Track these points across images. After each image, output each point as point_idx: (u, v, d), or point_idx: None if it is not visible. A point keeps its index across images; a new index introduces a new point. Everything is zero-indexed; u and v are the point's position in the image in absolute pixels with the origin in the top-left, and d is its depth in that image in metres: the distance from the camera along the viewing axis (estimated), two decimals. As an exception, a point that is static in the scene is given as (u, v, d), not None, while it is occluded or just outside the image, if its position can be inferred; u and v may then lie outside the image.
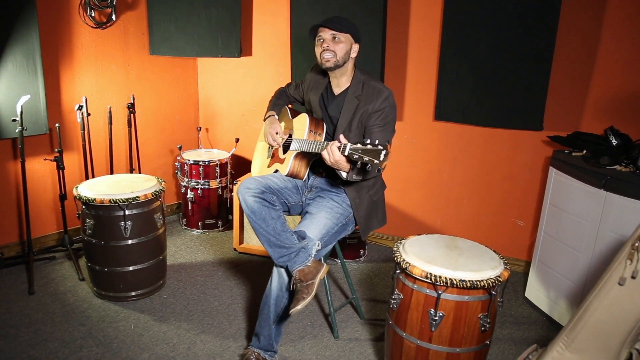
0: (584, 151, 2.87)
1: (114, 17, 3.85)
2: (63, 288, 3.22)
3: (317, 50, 2.44)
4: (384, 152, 1.91)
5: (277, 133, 2.66)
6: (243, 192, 2.38)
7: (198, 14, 3.98)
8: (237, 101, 4.56)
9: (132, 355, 2.58)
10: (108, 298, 3.08)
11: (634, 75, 3.00)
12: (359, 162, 2.00)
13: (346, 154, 2.04)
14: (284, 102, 2.88)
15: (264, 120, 2.79)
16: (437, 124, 3.68)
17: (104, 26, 3.85)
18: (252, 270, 3.58)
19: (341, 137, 2.11)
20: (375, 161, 1.93)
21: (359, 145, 1.99)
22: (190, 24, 4.02)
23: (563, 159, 2.91)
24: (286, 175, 2.58)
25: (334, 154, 2.11)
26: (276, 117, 2.77)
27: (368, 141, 1.97)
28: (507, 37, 3.18)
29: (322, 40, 2.40)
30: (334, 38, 2.38)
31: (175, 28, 4.04)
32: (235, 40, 3.99)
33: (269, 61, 4.28)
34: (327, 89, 2.60)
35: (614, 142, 2.74)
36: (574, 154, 2.91)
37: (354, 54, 2.46)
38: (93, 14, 3.73)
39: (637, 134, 2.80)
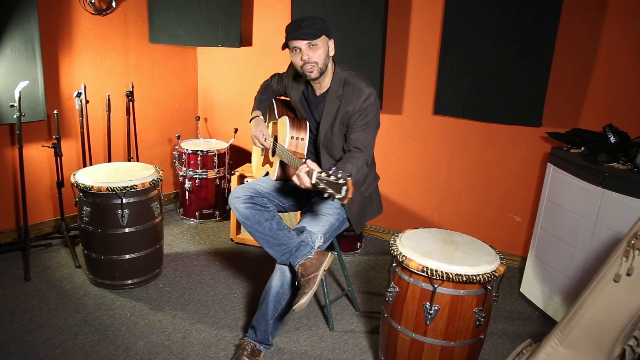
0: (582, 148, 2.87)
1: (114, 4, 3.83)
2: (59, 275, 3.22)
3: (296, 61, 2.30)
4: (344, 188, 1.84)
5: (263, 136, 2.60)
6: (233, 202, 2.40)
7: (199, 2, 3.95)
8: (236, 91, 4.55)
9: (128, 343, 2.58)
10: (104, 286, 3.09)
11: (634, 72, 2.99)
12: (324, 194, 1.92)
13: (313, 181, 1.94)
14: (269, 97, 2.81)
15: (250, 121, 2.71)
16: (436, 118, 3.68)
17: (103, 13, 3.82)
18: (249, 261, 3.59)
19: (308, 161, 2.01)
20: (337, 196, 1.85)
21: (323, 175, 1.90)
22: (190, 12, 4.00)
23: (561, 156, 2.92)
24: (275, 180, 2.57)
25: (303, 181, 2.01)
26: (261, 117, 2.70)
27: (332, 170, 1.89)
28: (507, 32, 3.17)
29: (298, 51, 2.27)
30: (311, 46, 2.26)
31: (175, 16, 4.02)
32: (235, 30, 3.97)
33: (269, 52, 4.26)
34: (307, 88, 2.52)
35: (613, 139, 2.74)
36: (572, 150, 2.91)
37: (332, 52, 2.35)
38: (93, 1, 3.70)
39: (635, 132, 2.80)
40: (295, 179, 2.06)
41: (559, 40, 3.06)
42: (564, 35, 3.10)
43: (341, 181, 1.85)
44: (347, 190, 1.84)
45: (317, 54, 2.27)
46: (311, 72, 2.30)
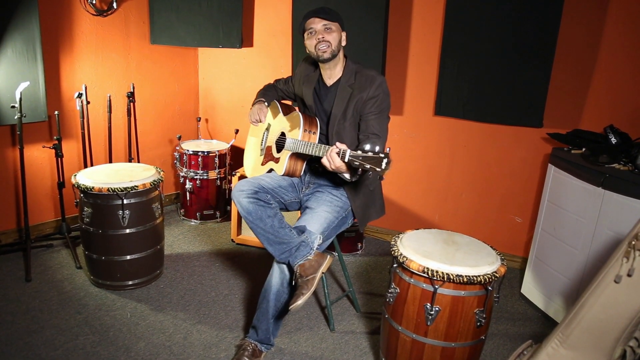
0: (583, 149, 2.87)
1: (115, 5, 3.83)
2: (60, 276, 3.23)
3: (311, 42, 2.43)
4: (385, 161, 1.87)
5: (263, 114, 2.74)
6: (237, 195, 2.40)
7: (199, 3, 3.96)
8: (237, 92, 4.55)
9: (128, 344, 2.59)
10: (105, 287, 3.09)
11: (635, 74, 2.99)
12: (360, 169, 1.97)
13: (346, 160, 2.00)
14: (273, 95, 2.88)
15: (252, 105, 2.80)
16: (437, 119, 3.68)
17: (104, 14, 3.83)
18: (250, 262, 3.59)
19: (338, 143, 2.06)
20: (377, 169, 1.89)
21: (359, 152, 1.94)
22: (191, 13, 4.00)
23: (562, 157, 2.91)
24: (282, 175, 2.57)
25: (334, 161, 2.07)
26: (265, 104, 2.79)
27: (367, 147, 1.93)
28: (509, 33, 3.17)
29: (314, 32, 2.40)
30: (326, 28, 2.38)
31: (176, 17, 4.02)
32: (236, 31, 3.97)
33: (270, 53, 4.27)
34: (319, 81, 2.59)
35: (614, 140, 2.74)
36: (573, 151, 2.91)
37: (343, 42, 2.47)
38: (94, 2, 3.71)
39: (636, 133, 2.80)
40: (324, 161, 2.12)
41: (560, 41, 3.06)
42: (565, 36, 3.10)
43: (381, 154, 1.89)
44: (388, 163, 1.88)
45: (331, 36, 2.39)
46: (325, 52, 2.39)
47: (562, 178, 2.90)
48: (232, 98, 4.60)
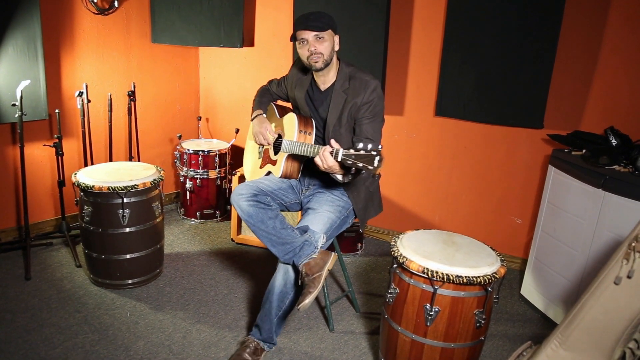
0: (584, 150, 2.87)
1: (116, 3, 3.84)
2: (59, 274, 3.23)
3: (303, 52, 2.39)
4: (377, 158, 1.88)
5: (267, 131, 2.64)
6: (236, 199, 2.40)
7: (201, 2, 3.96)
8: (238, 92, 4.55)
9: (128, 343, 2.59)
10: (104, 285, 3.09)
11: (636, 75, 2.99)
12: (353, 168, 1.97)
13: (339, 159, 2.01)
14: (269, 100, 2.86)
15: (252, 120, 2.77)
16: (438, 120, 3.68)
17: (106, 12, 3.83)
18: (249, 261, 3.59)
19: (332, 142, 2.07)
20: (370, 167, 1.90)
21: (351, 151, 1.95)
22: (192, 12, 4.00)
23: (562, 158, 2.91)
24: (280, 177, 2.57)
25: (327, 160, 2.07)
26: (264, 115, 2.75)
27: (360, 145, 1.93)
28: (509, 35, 3.17)
29: (306, 42, 2.36)
30: (318, 38, 2.34)
31: (177, 16, 4.03)
32: (237, 30, 3.97)
33: (271, 52, 4.27)
34: (312, 85, 2.57)
35: (614, 142, 2.74)
36: (573, 153, 2.91)
37: (337, 47, 2.43)
38: (95, 0, 3.71)
39: (637, 135, 2.80)
40: (317, 160, 2.12)
41: (561, 42, 3.06)
42: (566, 37, 3.10)
43: (373, 152, 1.90)
44: (380, 160, 1.88)
45: (323, 46, 2.35)
46: (317, 62, 2.37)
47: (562, 179, 2.90)
48: (232, 97, 4.60)
